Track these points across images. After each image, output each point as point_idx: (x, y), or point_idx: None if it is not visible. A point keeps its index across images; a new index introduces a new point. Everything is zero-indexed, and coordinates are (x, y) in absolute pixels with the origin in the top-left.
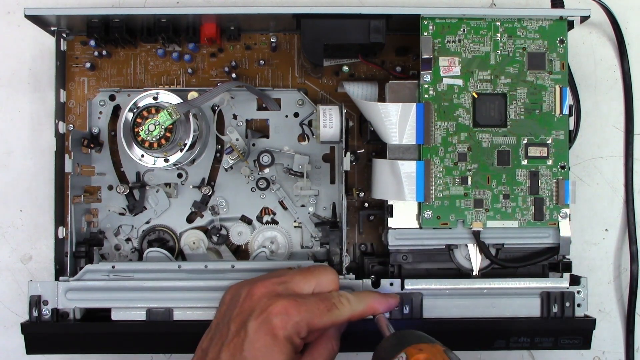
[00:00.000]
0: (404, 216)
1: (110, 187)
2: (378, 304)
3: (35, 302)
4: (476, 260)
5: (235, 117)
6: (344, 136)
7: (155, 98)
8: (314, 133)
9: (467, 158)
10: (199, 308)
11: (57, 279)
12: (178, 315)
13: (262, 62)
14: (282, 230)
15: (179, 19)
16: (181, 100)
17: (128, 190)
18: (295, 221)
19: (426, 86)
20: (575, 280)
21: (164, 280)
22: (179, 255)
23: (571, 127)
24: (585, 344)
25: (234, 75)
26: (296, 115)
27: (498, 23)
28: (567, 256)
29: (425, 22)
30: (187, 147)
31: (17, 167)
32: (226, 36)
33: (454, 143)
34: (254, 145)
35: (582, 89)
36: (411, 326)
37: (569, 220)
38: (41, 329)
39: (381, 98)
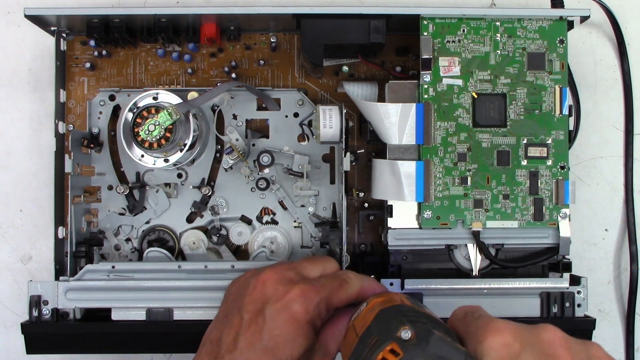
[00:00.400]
0: (403, 216)
1: (110, 187)
2: (376, 283)
3: (35, 302)
4: (476, 261)
5: (235, 117)
6: (344, 136)
7: (155, 98)
8: (314, 133)
9: (466, 158)
10: (199, 308)
11: (57, 279)
12: (178, 315)
13: (262, 62)
14: (282, 230)
15: (179, 19)
16: (181, 100)
17: (128, 190)
18: (295, 221)
19: (426, 86)
20: (575, 281)
21: (164, 280)
22: (179, 255)
23: (571, 127)
24: None
25: (234, 75)
26: (296, 115)
27: (498, 23)
28: (567, 256)
29: (425, 22)
30: (187, 147)
31: (17, 167)
32: (226, 36)
33: (454, 143)
34: (254, 145)
35: (582, 89)
36: None
37: (569, 220)
38: (41, 329)
39: (381, 98)
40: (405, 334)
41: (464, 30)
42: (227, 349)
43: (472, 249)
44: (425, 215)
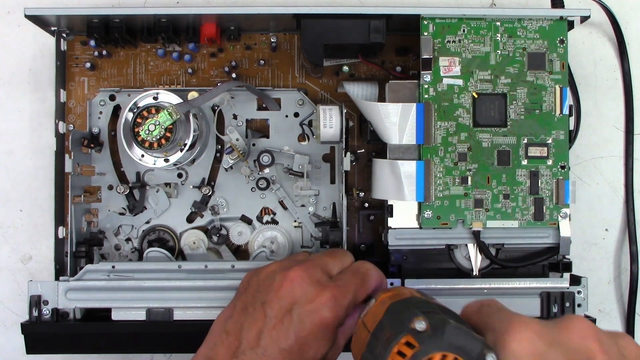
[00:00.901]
0: (404, 216)
1: (110, 187)
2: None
3: (35, 302)
4: (476, 260)
5: (235, 117)
6: (344, 136)
7: (155, 98)
8: (314, 133)
9: (467, 158)
10: (199, 308)
11: (57, 279)
12: (178, 315)
13: (262, 62)
14: (282, 230)
15: (179, 19)
16: (181, 100)
17: (128, 190)
18: (295, 221)
19: (426, 86)
20: (575, 280)
21: (164, 280)
22: (179, 255)
23: (571, 127)
24: None
25: (234, 75)
26: (296, 115)
27: (498, 23)
28: (567, 256)
29: (425, 22)
30: (187, 147)
31: (17, 167)
32: (226, 36)
33: (454, 143)
34: (254, 145)
35: (582, 89)
36: None
37: (569, 220)
38: (41, 329)
39: (381, 98)
40: (420, 325)
41: (464, 30)
42: (248, 344)
43: (472, 249)
44: (425, 215)
